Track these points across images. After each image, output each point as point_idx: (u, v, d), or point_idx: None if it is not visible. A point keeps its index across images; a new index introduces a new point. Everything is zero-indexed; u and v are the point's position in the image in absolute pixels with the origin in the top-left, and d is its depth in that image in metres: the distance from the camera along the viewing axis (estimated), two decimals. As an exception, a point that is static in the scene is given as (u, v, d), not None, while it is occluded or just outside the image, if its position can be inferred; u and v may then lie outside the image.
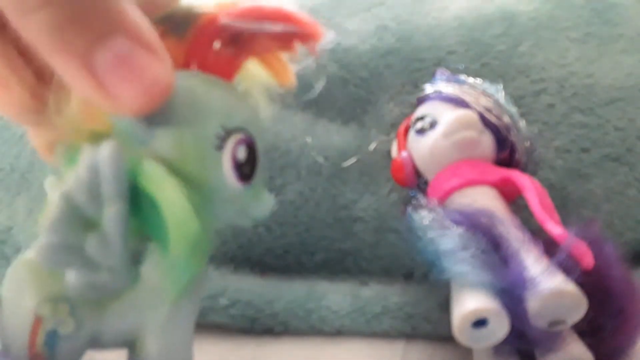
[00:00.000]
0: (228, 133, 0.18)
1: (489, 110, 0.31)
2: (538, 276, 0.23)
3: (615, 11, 0.40)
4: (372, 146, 0.37)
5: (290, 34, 0.20)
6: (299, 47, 0.21)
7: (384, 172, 0.35)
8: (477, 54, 0.38)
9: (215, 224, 0.19)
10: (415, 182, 0.33)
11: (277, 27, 0.20)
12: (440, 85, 0.33)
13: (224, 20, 0.19)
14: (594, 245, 0.25)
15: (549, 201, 0.28)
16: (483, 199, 0.28)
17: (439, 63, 0.38)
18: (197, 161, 0.18)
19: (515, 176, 0.29)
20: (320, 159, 0.36)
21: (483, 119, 0.31)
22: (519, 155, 0.32)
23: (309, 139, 0.37)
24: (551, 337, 0.24)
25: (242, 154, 0.19)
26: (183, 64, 0.20)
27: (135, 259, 0.18)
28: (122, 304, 0.18)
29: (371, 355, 0.30)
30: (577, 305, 0.23)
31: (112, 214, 0.16)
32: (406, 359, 0.30)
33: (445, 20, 0.40)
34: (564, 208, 0.34)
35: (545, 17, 0.39)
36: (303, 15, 0.20)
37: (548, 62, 0.38)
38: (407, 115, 0.35)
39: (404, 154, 0.33)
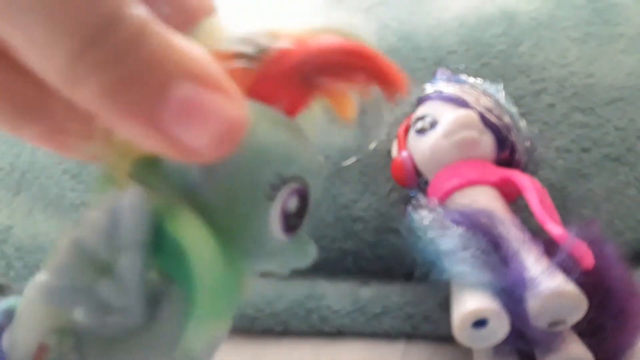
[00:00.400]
0: (283, 182, 0.16)
1: (489, 110, 0.31)
2: (538, 276, 0.23)
3: (615, 11, 0.40)
4: (372, 146, 0.37)
5: (369, 79, 0.18)
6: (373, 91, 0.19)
7: (384, 172, 0.35)
8: (477, 53, 0.38)
9: (249, 276, 0.18)
10: (415, 182, 0.33)
11: (360, 77, 0.18)
12: (441, 85, 0.33)
13: (301, 58, 0.17)
14: (594, 245, 0.25)
15: (549, 201, 0.28)
16: (483, 199, 0.28)
17: (439, 63, 0.38)
18: (244, 211, 0.16)
19: (515, 176, 0.29)
20: (321, 158, 0.36)
21: (483, 119, 0.31)
22: (519, 155, 0.32)
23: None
24: (551, 337, 0.24)
25: (293, 205, 0.17)
26: (247, 95, 0.18)
27: (153, 297, 0.16)
28: (132, 344, 0.17)
29: (371, 354, 0.30)
30: (577, 306, 0.23)
31: (127, 263, 0.15)
32: (406, 359, 0.30)
33: (445, 20, 0.40)
34: (564, 208, 0.34)
35: (546, 16, 0.39)
36: (387, 59, 0.18)
37: (548, 62, 0.38)
38: (408, 114, 0.35)
39: (404, 153, 0.33)
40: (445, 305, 0.27)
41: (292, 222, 0.17)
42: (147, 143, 0.14)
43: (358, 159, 0.36)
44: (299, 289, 0.33)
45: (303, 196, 0.17)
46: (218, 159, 0.14)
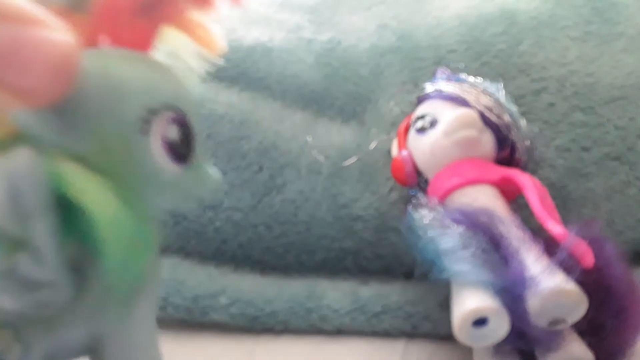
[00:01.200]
0: (153, 113, 0.16)
1: (489, 109, 0.31)
2: (538, 275, 0.23)
3: (615, 10, 0.40)
4: (373, 145, 0.37)
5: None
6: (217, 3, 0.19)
7: (384, 171, 0.35)
8: (477, 52, 0.38)
9: (155, 212, 0.18)
10: (415, 181, 0.33)
11: None
12: (441, 84, 0.33)
13: None
14: (595, 244, 0.25)
15: (549, 200, 0.28)
16: (483, 198, 0.28)
17: (439, 62, 0.38)
18: (122, 152, 0.16)
19: (515, 175, 0.29)
20: (321, 158, 0.36)
21: (483, 117, 0.31)
22: (520, 154, 0.32)
23: (309, 138, 0.37)
24: (551, 336, 0.24)
25: (174, 133, 0.17)
26: (90, 42, 0.17)
27: (76, 266, 0.16)
28: (72, 315, 0.16)
29: (371, 353, 0.30)
30: (577, 305, 0.23)
31: (40, 230, 0.15)
32: (406, 358, 0.30)
33: (445, 19, 0.40)
34: (565, 207, 0.34)
35: (546, 15, 0.39)
36: None
37: (548, 61, 0.38)
38: (408, 114, 0.35)
39: (404, 152, 0.33)
40: (445, 305, 0.27)
41: (179, 150, 0.17)
42: None
43: (358, 159, 0.36)
44: (299, 288, 0.33)
45: (182, 123, 0.17)
46: (58, 97, 0.14)
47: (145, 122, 0.16)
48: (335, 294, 0.33)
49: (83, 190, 0.15)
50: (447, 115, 0.31)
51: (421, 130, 0.32)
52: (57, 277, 0.15)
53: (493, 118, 0.31)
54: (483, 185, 0.29)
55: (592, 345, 0.25)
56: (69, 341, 0.17)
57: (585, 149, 0.35)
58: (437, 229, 0.26)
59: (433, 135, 0.31)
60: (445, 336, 0.28)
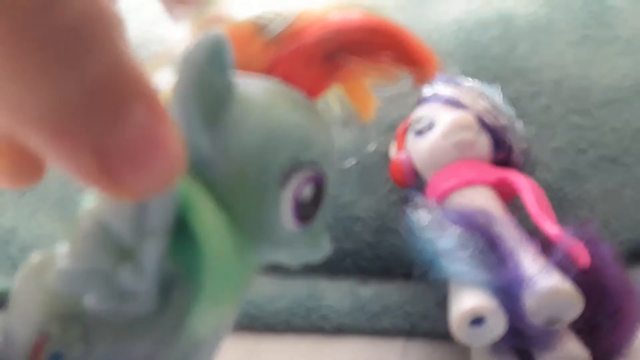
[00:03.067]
0: (298, 169, 0.15)
1: (486, 112, 0.31)
2: (535, 275, 0.24)
3: (611, 13, 0.40)
4: (372, 147, 0.37)
5: (400, 60, 0.17)
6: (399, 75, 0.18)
7: (383, 173, 0.36)
8: (474, 56, 0.39)
9: (258, 265, 0.17)
10: (413, 183, 0.33)
11: (386, 57, 0.17)
12: (439, 87, 0.33)
13: (323, 34, 0.16)
14: (590, 244, 0.25)
15: (545, 201, 0.28)
16: (480, 199, 0.29)
17: (437, 65, 0.38)
18: (254, 195, 0.15)
19: (512, 177, 0.29)
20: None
21: (480, 120, 0.31)
22: (516, 156, 0.32)
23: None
24: (548, 335, 0.25)
25: (307, 193, 0.15)
26: (267, 69, 0.16)
27: (164, 284, 0.15)
28: (140, 331, 0.16)
29: (371, 352, 0.31)
30: (573, 304, 0.24)
31: (152, 248, 0.14)
32: (406, 357, 0.30)
33: (444, 24, 0.41)
34: (561, 208, 0.34)
35: (543, 20, 0.40)
36: (414, 36, 0.17)
37: (545, 65, 0.38)
38: (406, 116, 0.35)
39: (403, 154, 0.33)
40: (443, 304, 0.27)
41: (305, 211, 0.16)
42: (80, 175, 0.10)
43: (357, 161, 0.36)
44: (299, 288, 0.34)
45: (319, 184, 0.16)
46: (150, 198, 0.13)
47: (287, 175, 0.15)
48: (336, 293, 0.33)
49: (203, 221, 0.14)
50: (444, 118, 0.31)
51: (419, 132, 0.32)
52: (148, 291, 0.15)
53: (490, 121, 0.31)
54: (480, 187, 0.30)
55: (588, 345, 0.25)
56: (132, 353, 0.16)
57: (581, 151, 0.36)
58: (435, 230, 0.27)
59: (431, 137, 0.31)
60: (444, 335, 0.28)
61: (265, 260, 0.17)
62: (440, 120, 0.31)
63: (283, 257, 0.17)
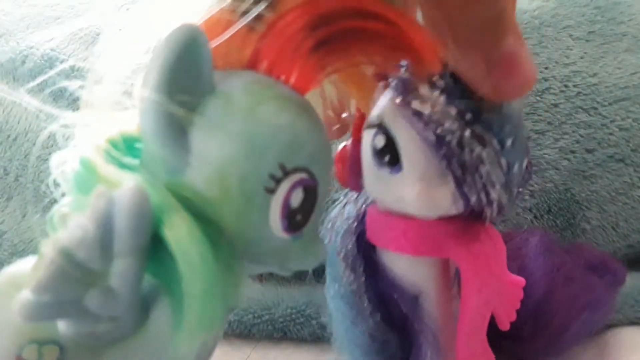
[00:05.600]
0: (286, 174, 0.14)
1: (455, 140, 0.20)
2: None
3: (619, 9, 0.39)
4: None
5: (399, 48, 0.15)
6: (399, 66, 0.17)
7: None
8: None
9: (244, 276, 0.15)
10: (357, 187, 0.24)
11: (381, 46, 0.15)
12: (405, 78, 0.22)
13: (311, 17, 0.14)
14: (519, 246, 0.25)
15: (489, 289, 0.21)
16: (417, 272, 0.22)
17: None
18: (239, 205, 0.14)
19: (459, 258, 0.21)
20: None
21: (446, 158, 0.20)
22: (492, 213, 0.21)
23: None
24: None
25: (297, 199, 0.14)
26: (250, 61, 0.15)
27: (143, 302, 0.14)
28: (120, 352, 0.15)
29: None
30: None
31: (122, 270, 0.13)
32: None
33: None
34: (568, 210, 0.34)
35: (549, 15, 0.39)
36: (416, 24, 0.15)
37: (551, 61, 0.37)
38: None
39: (353, 146, 0.23)
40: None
41: (296, 219, 0.15)
42: (471, 77, 0.17)
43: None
44: (298, 296, 0.33)
45: (309, 190, 0.15)
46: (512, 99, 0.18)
47: (276, 180, 0.14)
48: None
49: (178, 241, 0.13)
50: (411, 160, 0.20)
51: (379, 158, 0.21)
52: (124, 315, 0.14)
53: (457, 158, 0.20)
54: (421, 258, 0.22)
55: (510, 350, 0.24)
56: None
57: (589, 151, 0.35)
58: (341, 264, 0.23)
59: (394, 181, 0.21)
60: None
61: (254, 272, 0.16)
62: (405, 158, 0.20)
63: (274, 267, 0.16)
